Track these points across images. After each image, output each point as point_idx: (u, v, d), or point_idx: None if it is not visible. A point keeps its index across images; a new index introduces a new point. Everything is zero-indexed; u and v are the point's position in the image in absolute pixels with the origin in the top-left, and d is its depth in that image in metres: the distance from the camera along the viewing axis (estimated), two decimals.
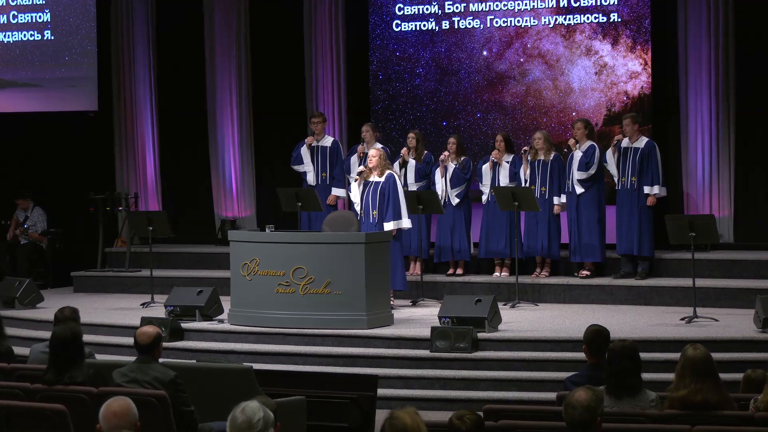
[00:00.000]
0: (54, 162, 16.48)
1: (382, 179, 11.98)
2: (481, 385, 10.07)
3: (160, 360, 7.22)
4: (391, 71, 15.08)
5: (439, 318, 10.77)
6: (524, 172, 13.18)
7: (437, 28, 14.83)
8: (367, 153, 13.45)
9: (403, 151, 13.55)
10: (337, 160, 13.94)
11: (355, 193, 12.12)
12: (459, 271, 13.46)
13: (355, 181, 12.15)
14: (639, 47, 14.01)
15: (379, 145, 13.10)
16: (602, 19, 14.17)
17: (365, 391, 8.33)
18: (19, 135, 16.55)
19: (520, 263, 12.70)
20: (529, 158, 13.17)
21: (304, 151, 13.93)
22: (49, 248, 15.54)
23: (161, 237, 13.74)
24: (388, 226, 11.88)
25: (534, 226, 13.18)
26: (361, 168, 12.14)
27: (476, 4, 14.63)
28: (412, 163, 13.53)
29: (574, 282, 12.89)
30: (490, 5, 14.60)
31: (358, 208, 12.09)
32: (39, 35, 16.32)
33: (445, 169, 13.36)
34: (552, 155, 13.15)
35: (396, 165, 13.49)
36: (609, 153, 13.00)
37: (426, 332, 10.56)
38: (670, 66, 13.95)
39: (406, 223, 12.01)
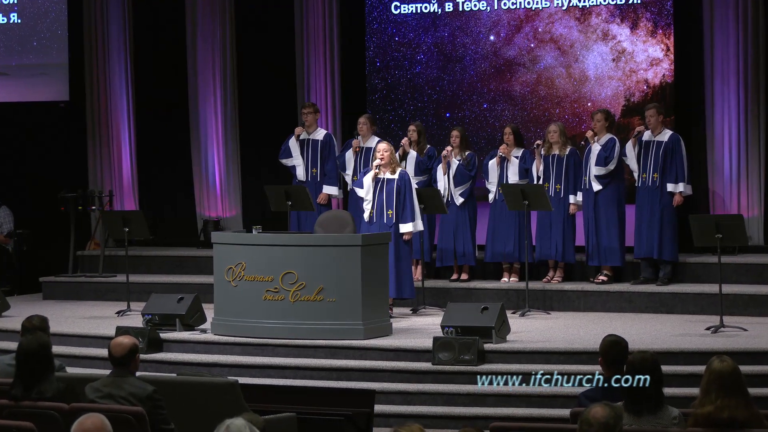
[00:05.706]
0: (21, 157, 16.47)
1: (396, 176, 12.04)
2: (488, 400, 10.07)
3: (137, 373, 7.23)
4: (389, 58, 15.09)
5: (442, 327, 10.76)
6: (537, 168, 13.18)
7: (440, 10, 14.84)
8: (363, 147, 13.48)
9: (404, 141, 13.54)
10: (329, 155, 13.92)
11: (368, 190, 12.11)
12: (463, 276, 13.47)
13: (375, 172, 12.07)
14: (660, 31, 14.02)
15: (376, 139, 13.11)
16: (620, 0, 14.18)
17: (361, 407, 8.34)
18: None
19: (530, 267, 12.71)
20: (542, 153, 13.17)
21: (293, 144, 13.93)
22: (16, 251, 15.54)
23: (138, 239, 13.74)
24: (406, 228, 11.96)
25: (547, 228, 13.18)
26: (378, 162, 12.11)
27: None
28: (412, 154, 13.53)
29: (590, 288, 12.89)
30: None
31: (368, 206, 12.09)
32: (4, 18, 16.31)
33: (448, 165, 13.34)
34: (568, 150, 13.15)
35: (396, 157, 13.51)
36: (629, 146, 12.99)
37: (428, 343, 10.57)
38: (694, 52, 13.96)
39: (420, 225, 12.15)
